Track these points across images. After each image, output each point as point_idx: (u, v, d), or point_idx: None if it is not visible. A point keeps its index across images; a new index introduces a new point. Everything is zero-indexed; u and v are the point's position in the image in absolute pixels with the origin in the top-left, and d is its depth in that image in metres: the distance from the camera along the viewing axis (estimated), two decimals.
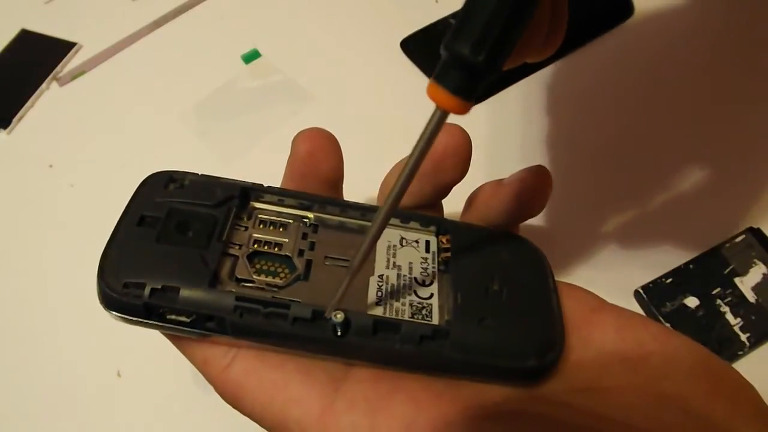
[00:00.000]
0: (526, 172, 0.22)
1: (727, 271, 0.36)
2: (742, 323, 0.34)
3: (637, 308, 0.35)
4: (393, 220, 0.22)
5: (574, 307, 0.20)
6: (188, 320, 0.18)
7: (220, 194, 0.21)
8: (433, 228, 0.22)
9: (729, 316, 0.34)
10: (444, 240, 0.22)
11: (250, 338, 0.18)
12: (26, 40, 0.48)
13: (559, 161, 0.41)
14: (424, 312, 0.19)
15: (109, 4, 0.50)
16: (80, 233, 0.37)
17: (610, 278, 0.36)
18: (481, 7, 0.15)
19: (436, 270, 0.21)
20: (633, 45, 0.47)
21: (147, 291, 0.18)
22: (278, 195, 0.21)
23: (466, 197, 0.24)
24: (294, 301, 0.19)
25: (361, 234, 0.21)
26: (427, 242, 0.22)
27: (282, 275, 0.20)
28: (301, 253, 0.20)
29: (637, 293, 0.35)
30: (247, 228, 0.21)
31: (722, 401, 0.18)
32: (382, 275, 0.20)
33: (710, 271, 0.36)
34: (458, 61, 0.15)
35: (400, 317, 0.19)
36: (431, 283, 0.20)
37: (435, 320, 0.19)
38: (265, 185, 0.22)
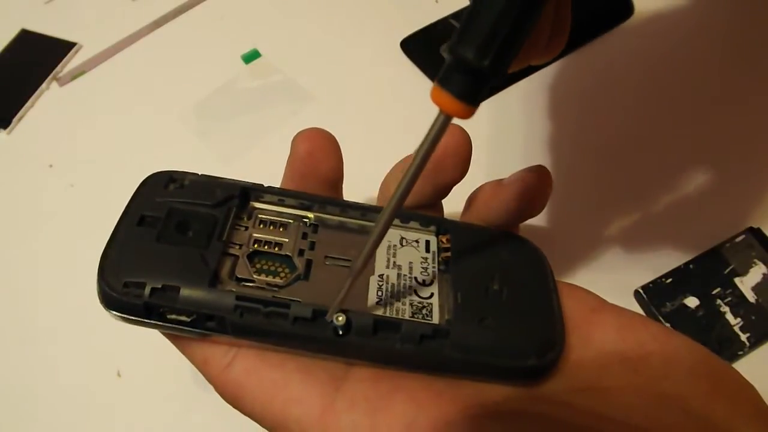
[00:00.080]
0: (526, 172, 0.22)
1: (727, 271, 0.36)
2: (742, 323, 0.34)
3: (637, 308, 0.35)
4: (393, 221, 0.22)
5: (574, 306, 0.20)
6: (188, 320, 0.18)
7: (220, 194, 0.21)
8: (433, 228, 0.22)
9: (729, 316, 0.34)
10: (444, 240, 0.22)
11: (250, 338, 0.18)
12: (26, 40, 0.48)
13: (559, 161, 0.41)
14: (424, 311, 0.19)
15: (109, 4, 0.50)
16: (80, 233, 0.37)
17: (610, 278, 0.36)
18: (487, 10, 0.14)
19: (436, 270, 0.21)
20: (633, 45, 0.47)
21: (147, 290, 0.18)
22: (278, 195, 0.21)
23: (466, 197, 0.24)
24: (294, 300, 0.19)
25: (361, 234, 0.22)
26: (427, 242, 0.22)
27: (282, 275, 0.20)
28: (301, 252, 0.20)
29: (637, 293, 0.35)
30: (247, 228, 0.21)
31: (722, 401, 0.18)
32: (383, 275, 0.20)
33: (710, 271, 0.36)
34: (463, 65, 0.15)
35: (400, 317, 0.19)
36: (431, 283, 0.20)
37: (435, 320, 0.19)
38: (265, 185, 0.22)
